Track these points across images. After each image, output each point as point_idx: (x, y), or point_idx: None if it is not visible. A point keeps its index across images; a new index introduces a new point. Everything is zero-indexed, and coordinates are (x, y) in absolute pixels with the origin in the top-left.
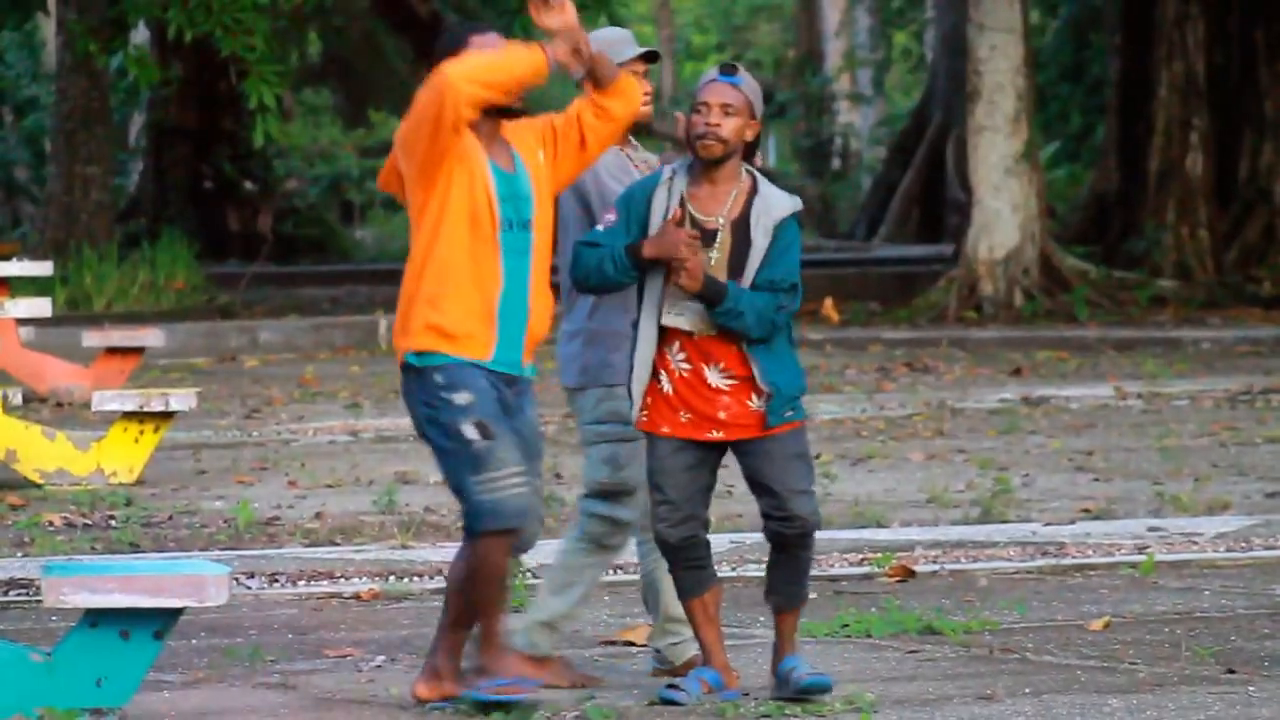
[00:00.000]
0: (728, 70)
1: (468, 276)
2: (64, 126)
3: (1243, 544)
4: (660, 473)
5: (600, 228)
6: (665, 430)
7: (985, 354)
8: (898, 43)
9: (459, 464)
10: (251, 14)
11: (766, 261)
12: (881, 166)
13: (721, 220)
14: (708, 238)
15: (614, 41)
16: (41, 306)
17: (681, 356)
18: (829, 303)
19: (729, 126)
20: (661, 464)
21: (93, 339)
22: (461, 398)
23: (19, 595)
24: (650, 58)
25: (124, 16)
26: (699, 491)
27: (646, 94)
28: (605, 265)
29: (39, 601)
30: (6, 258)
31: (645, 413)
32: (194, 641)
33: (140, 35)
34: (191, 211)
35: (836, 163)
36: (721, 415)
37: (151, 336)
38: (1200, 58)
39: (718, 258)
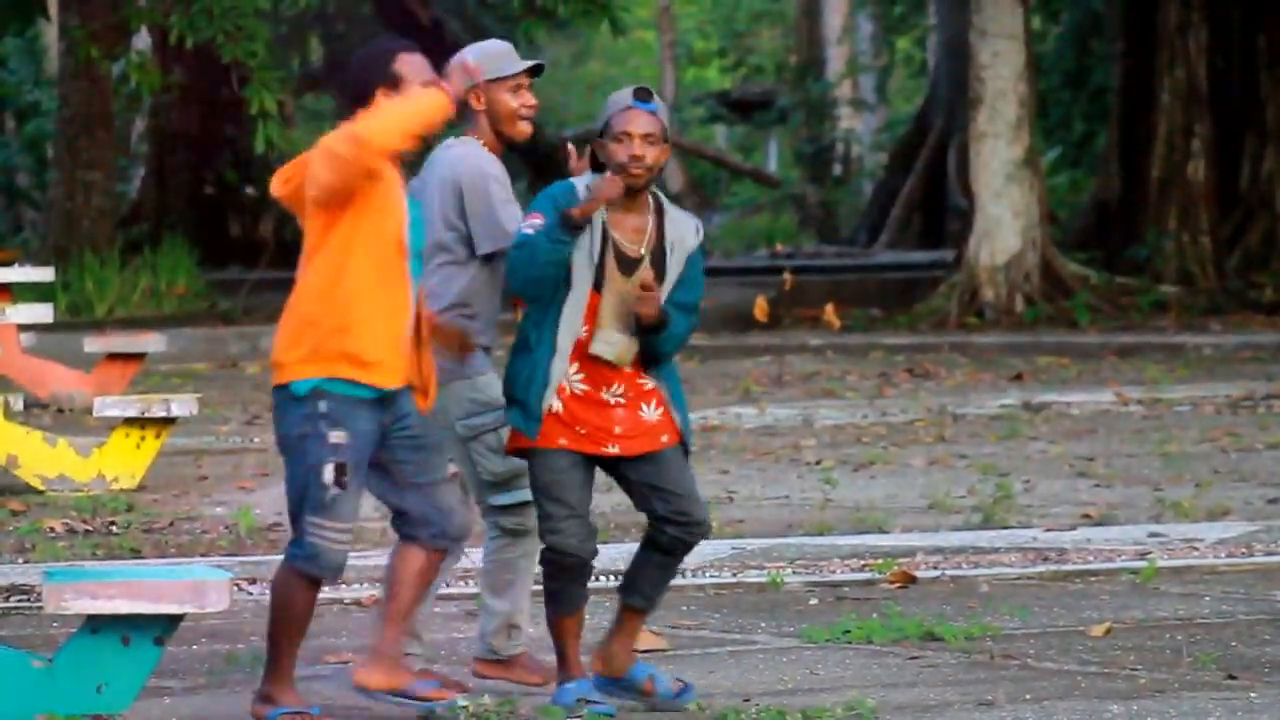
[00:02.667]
0: (643, 96)
1: (381, 304)
2: (66, 132)
3: (1244, 550)
4: (561, 486)
5: (528, 230)
6: (562, 443)
7: (986, 360)
8: (900, 49)
9: (303, 497)
10: (253, 20)
11: (678, 285)
12: (883, 172)
13: (643, 251)
14: (629, 266)
15: (497, 55)
16: (43, 312)
17: (579, 377)
18: (830, 309)
19: (651, 155)
20: (561, 477)
21: (94, 345)
22: (336, 436)
23: (20, 601)
24: (535, 72)
25: (126, 22)
26: (590, 505)
27: (531, 108)
28: (538, 243)
29: (40, 607)
30: (8, 263)
31: (539, 427)
32: (195, 648)
33: (142, 41)
34: (193, 217)
35: (838, 169)
36: (618, 430)
37: (153, 342)
38: (1202, 64)
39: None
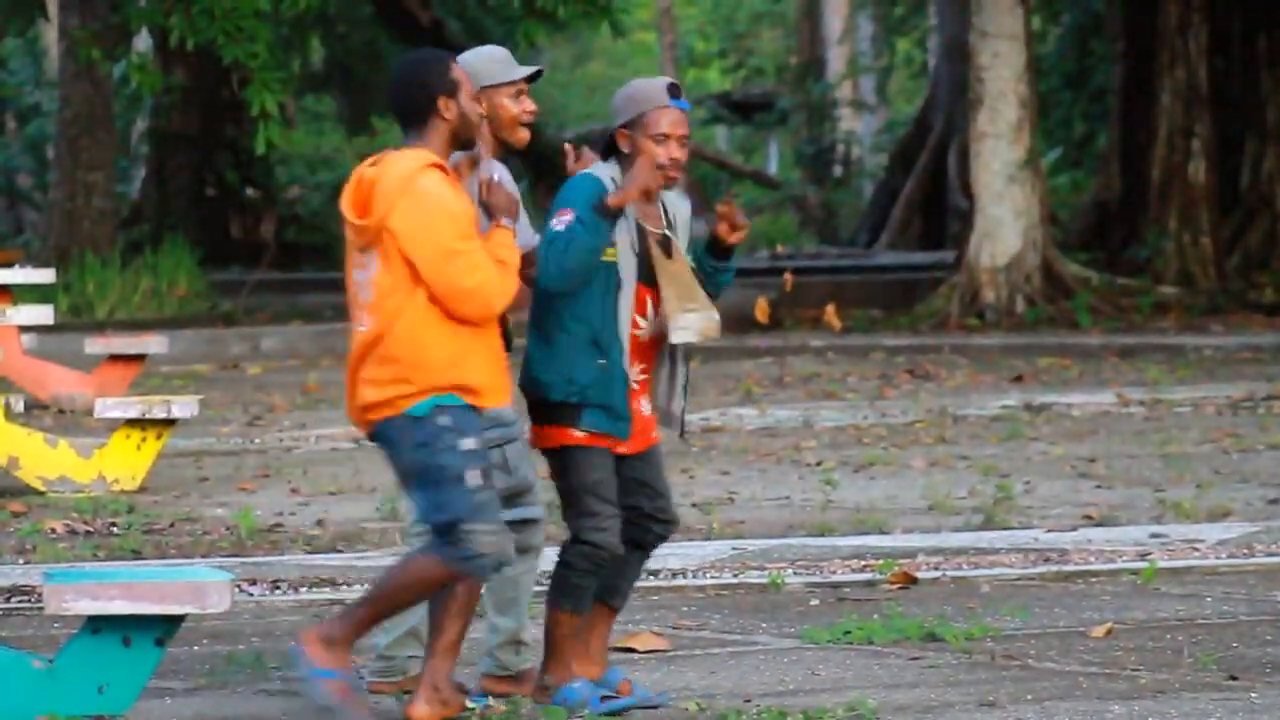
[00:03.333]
0: (676, 93)
1: (480, 333)
2: (67, 133)
3: (1245, 550)
4: (608, 485)
5: (559, 227)
6: (606, 443)
7: (987, 361)
8: (900, 50)
9: (456, 507)
10: (254, 21)
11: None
12: (883, 173)
13: (664, 229)
14: (664, 246)
15: (496, 62)
16: (44, 314)
17: (638, 369)
18: (831, 309)
19: (685, 154)
20: (607, 476)
21: (95, 346)
22: (468, 443)
23: (21, 602)
24: (533, 77)
25: (126, 23)
26: None
27: (530, 113)
28: (575, 233)
29: (41, 608)
30: (9, 265)
31: (629, 427)
32: (196, 649)
33: (143, 42)
34: (194, 218)
35: (838, 170)
36: (633, 427)
37: (154, 343)
38: (1202, 65)
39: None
